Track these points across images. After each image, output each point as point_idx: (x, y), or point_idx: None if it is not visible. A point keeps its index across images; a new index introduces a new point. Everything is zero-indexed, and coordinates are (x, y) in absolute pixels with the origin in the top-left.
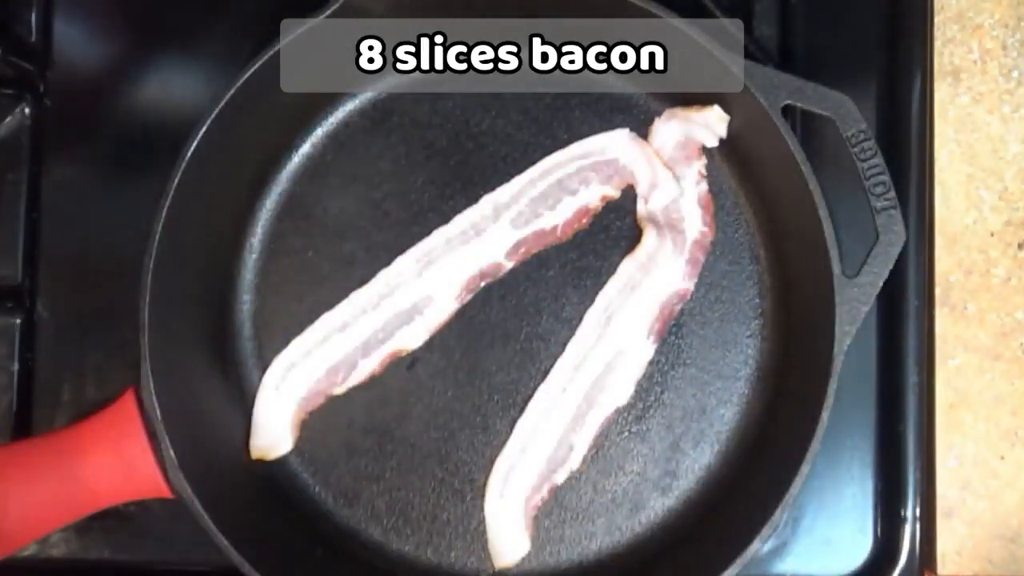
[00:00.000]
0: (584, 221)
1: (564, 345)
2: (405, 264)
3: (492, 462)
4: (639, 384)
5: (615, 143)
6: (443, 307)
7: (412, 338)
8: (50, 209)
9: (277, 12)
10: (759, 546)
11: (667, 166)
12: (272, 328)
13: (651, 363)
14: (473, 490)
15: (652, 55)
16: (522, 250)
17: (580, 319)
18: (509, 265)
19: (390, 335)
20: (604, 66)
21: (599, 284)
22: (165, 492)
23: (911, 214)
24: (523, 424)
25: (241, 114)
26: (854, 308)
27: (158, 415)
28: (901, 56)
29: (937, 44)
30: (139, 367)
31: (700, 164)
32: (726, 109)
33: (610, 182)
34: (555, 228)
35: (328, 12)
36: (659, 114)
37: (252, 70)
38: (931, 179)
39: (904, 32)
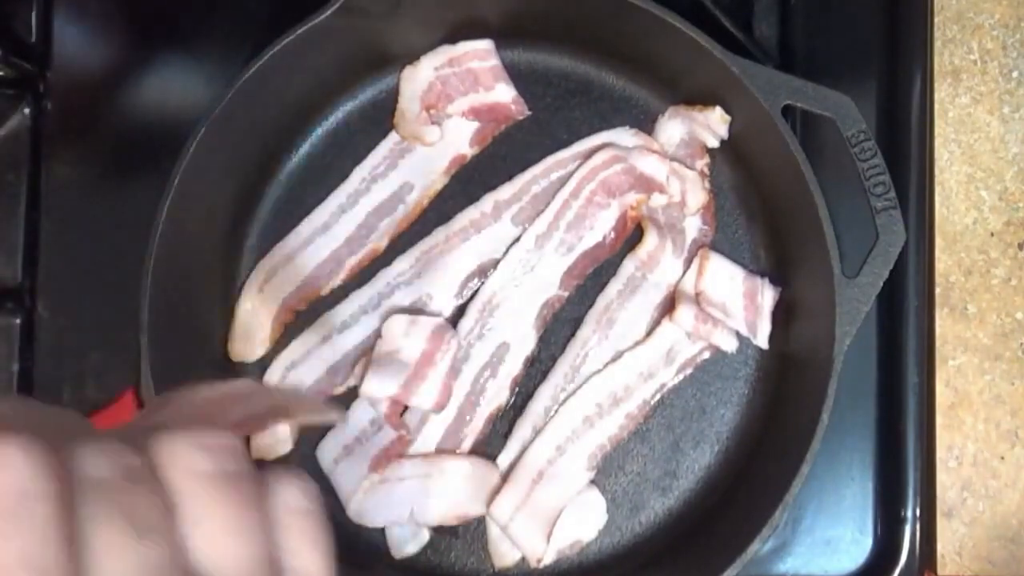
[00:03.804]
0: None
1: (564, 345)
2: (405, 264)
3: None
4: None
5: (620, 141)
6: (443, 306)
7: None
8: (50, 209)
9: (277, 12)
10: (759, 546)
11: (678, 161)
12: None
13: None
14: None
15: (652, 55)
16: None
17: (580, 319)
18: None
19: None
20: (604, 66)
21: (599, 284)
22: None
23: (911, 214)
24: (522, 424)
25: (241, 114)
26: (854, 308)
27: None
28: (901, 56)
29: (937, 44)
30: (139, 367)
31: (703, 163)
32: (726, 109)
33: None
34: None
35: (328, 12)
36: (660, 114)
37: (252, 70)
38: (931, 179)
39: (904, 32)
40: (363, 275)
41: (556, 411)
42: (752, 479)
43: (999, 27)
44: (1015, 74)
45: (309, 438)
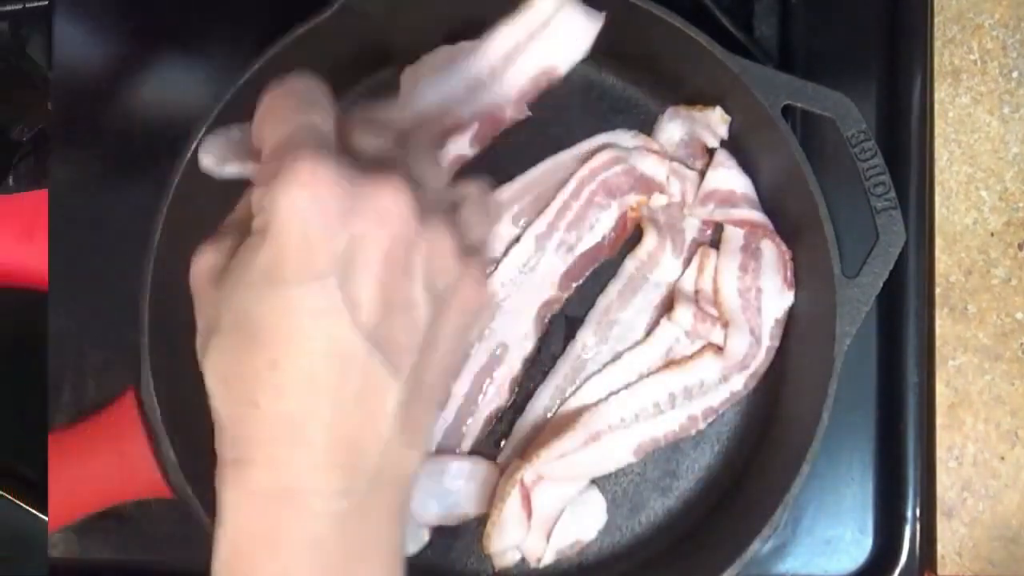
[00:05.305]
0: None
1: (564, 345)
2: None
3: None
4: None
5: (620, 143)
6: None
7: None
8: (50, 209)
9: (277, 12)
10: (759, 546)
11: (678, 161)
12: None
13: None
14: None
15: (652, 55)
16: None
17: (580, 319)
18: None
19: None
20: (604, 66)
21: (599, 284)
22: (165, 492)
23: (911, 214)
24: (522, 424)
25: (241, 114)
26: (854, 308)
27: (158, 415)
28: (901, 56)
29: (937, 44)
30: (139, 367)
31: (702, 163)
32: (726, 109)
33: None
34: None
35: (328, 13)
36: (660, 114)
37: (252, 70)
38: (931, 179)
39: (904, 32)
40: None
41: (556, 411)
42: (752, 479)
43: (999, 27)
44: (1015, 74)
45: None
